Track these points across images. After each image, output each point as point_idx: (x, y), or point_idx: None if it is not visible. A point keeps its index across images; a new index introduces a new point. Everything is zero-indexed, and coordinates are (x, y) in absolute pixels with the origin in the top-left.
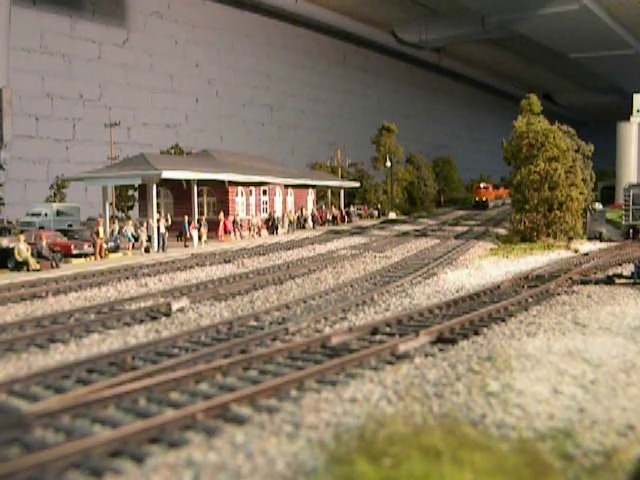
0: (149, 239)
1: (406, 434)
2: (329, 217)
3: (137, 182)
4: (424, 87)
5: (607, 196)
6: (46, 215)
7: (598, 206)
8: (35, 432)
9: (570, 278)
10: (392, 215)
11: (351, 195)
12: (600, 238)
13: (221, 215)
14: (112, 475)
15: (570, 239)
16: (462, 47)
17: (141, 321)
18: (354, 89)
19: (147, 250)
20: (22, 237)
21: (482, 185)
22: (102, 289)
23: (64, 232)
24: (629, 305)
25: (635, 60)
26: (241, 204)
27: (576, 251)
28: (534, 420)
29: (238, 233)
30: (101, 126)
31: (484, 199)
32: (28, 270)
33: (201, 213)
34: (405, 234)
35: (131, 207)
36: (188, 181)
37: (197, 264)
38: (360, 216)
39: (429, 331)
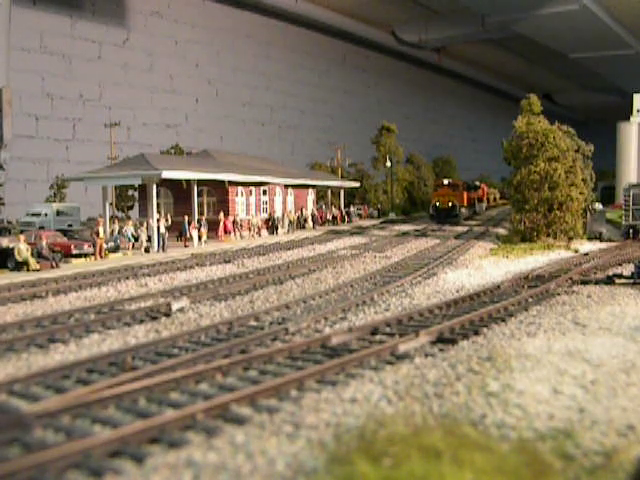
0: (149, 239)
1: (406, 434)
2: (329, 217)
3: (137, 182)
4: (424, 87)
5: (607, 196)
6: (46, 215)
7: (598, 206)
8: (35, 432)
9: (570, 278)
10: (392, 215)
11: (351, 195)
12: (600, 238)
13: (221, 215)
14: (112, 475)
15: (570, 239)
16: (462, 47)
17: (141, 321)
18: (354, 89)
19: (147, 250)
20: (22, 237)
21: (445, 182)
22: (102, 289)
23: (64, 232)
24: (629, 305)
25: (635, 60)
26: (241, 204)
27: (576, 251)
28: (534, 420)
29: (238, 233)
30: (101, 126)
31: (450, 204)
32: (28, 270)
33: (201, 213)
34: (405, 234)
35: (131, 207)
36: (188, 181)
37: (197, 264)
38: (360, 216)
39: (429, 331)
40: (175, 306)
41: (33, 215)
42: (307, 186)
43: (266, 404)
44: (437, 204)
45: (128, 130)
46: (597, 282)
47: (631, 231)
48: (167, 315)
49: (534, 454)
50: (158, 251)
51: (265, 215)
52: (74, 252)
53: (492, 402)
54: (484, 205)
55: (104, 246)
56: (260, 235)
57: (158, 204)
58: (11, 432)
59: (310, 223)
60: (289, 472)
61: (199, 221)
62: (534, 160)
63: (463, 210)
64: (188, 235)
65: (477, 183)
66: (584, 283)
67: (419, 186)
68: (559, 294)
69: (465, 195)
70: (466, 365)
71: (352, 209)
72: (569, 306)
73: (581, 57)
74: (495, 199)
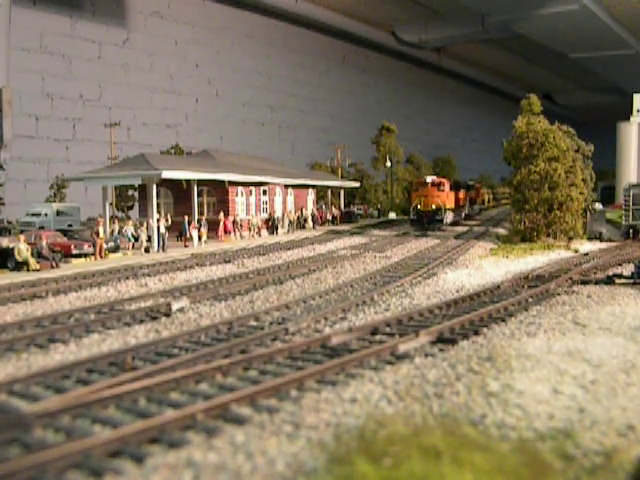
0: (149, 239)
1: (406, 434)
2: (329, 217)
3: (137, 182)
4: (424, 87)
5: (607, 196)
6: (46, 215)
7: (598, 206)
8: (35, 432)
9: (570, 278)
10: (392, 215)
11: (351, 195)
12: (600, 238)
13: (221, 215)
14: (112, 475)
15: (570, 239)
16: (462, 47)
17: (141, 321)
18: (354, 89)
19: (147, 250)
20: (22, 237)
21: (428, 179)
22: (102, 289)
23: (64, 232)
24: (629, 305)
25: (635, 60)
26: (241, 204)
27: (576, 251)
28: (534, 420)
29: (238, 233)
30: (101, 126)
31: (433, 207)
32: (28, 270)
33: (201, 213)
34: (405, 234)
35: (131, 207)
36: (188, 181)
37: (197, 264)
38: (360, 216)
39: (429, 331)
40: (175, 306)
41: (33, 215)
42: (307, 186)
43: (266, 404)
44: (418, 206)
45: (128, 130)
46: (597, 282)
47: (631, 231)
48: (167, 315)
49: (534, 454)
50: (158, 251)
51: (265, 215)
52: (74, 252)
53: (492, 402)
54: (478, 207)
55: (104, 246)
56: (260, 235)
57: (158, 204)
58: (11, 432)
59: (310, 223)
60: (289, 472)
61: (199, 221)
62: (534, 160)
63: (450, 213)
64: (188, 235)
65: (471, 182)
66: (584, 283)
67: None
68: (559, 294)
69: (453, 196)
70: (466, 365)
71: (354, 209)
72: (569, 306)
73: (581, 57)
74: (489, 200)
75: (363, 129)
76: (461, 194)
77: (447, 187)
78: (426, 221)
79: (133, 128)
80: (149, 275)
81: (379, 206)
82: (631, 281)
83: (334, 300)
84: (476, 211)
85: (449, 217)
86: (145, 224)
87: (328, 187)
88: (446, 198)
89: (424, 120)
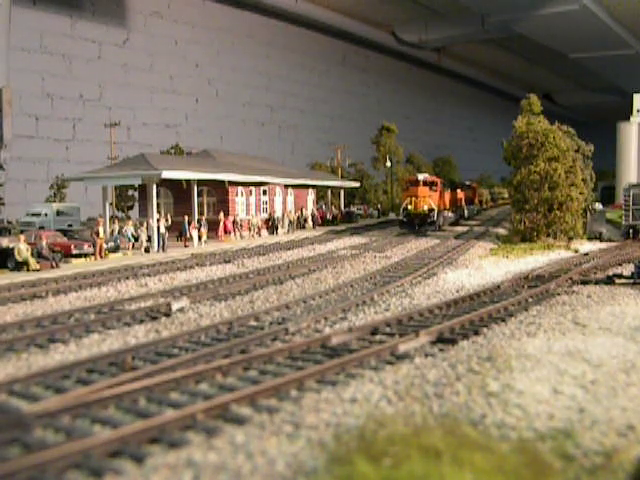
0: (149, 239)
1: (406, 434)
2: (329, 217)
3: (137, 182)
4: (424, 87)
5: (607, 196)
6: (46, 215)
7: (598, 206)
8: (35, 432)
9: (570, 278)
10: (392, 215)
11: (351, 195)
12: (600, 238)
13: (221, 215)
14: (112, 475)
15: (570, 239)
16: (462, 47)
17: (141, 321)
18: (354, 89)
19: (147, 250)
20: (22, 237)
21: (420, 177)
22: (102, 289)
23: (64, 232)
24: (629, 305)
25: (635, 60)
26: (241, 204)
27: (576, 251)
28: (534, 420)
29: (238, 233)
30: (101, 126)
31: (425, 207)
32: (28, 270)
33: (201, 213)
34: (405, 234)
35: (131, 207)
36: (188, 181)
37: (197, 264)
38: (360, 216)
39: (429, 331)
40: (175, 306)
41: (33, 215)
42: (307, 186)
43: (266, 404)
44: (409, 207)
45: (128, 130)
46: (597, 282)
47: (631, 231)
48: (167, 315)
49: (534, 454)
50: (158, 251)
51: (265, 215)
52: (74, 252)
53: (492, 402)
54: (475, 208)
55: (104, 246)
56: (260, 235)
57: (158, 204)
58: (11, 432)
59: (310, 223)
60: (289, 472)
61: (199, 221)
62: (534, 160)
63: (445, 215)
64: (188, 235)
65: (468, 182)
66: (584, 283)
67: None
68: (559, 294)
69: (448, 196)
70: (466, 365)
71: (354, 209)
72: (569, 306)
73: (581, 57)
74: (486, 201)
75: (363, 129)
76: (457, 194)
77: (441, 186)
78: (417, 223)
79: (133, 128)
80: (149, 275)
81: (379, 206)
82: (631, 281)
83: (334, 300)
84: (474, 212)
85: (443, 219)
86: (145, 224)
87: (328, 187)
88: (439, 198)
89: (424, 120)
